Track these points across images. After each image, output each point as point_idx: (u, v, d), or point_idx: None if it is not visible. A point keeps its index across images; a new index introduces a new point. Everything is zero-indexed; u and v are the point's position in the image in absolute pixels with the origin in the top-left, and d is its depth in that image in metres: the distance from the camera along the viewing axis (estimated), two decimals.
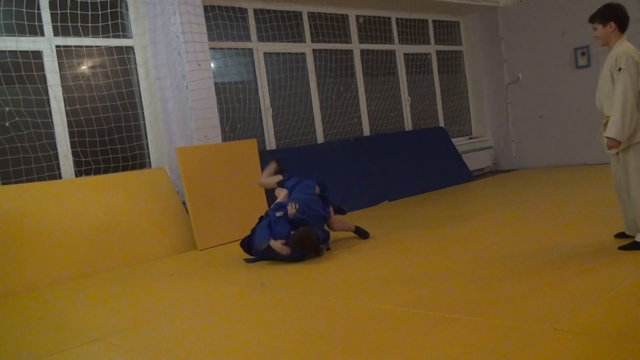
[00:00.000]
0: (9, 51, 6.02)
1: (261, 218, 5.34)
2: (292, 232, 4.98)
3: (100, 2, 6.62)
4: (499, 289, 3.56)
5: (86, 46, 6.62)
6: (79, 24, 6.49)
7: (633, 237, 4.15)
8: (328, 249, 5.33)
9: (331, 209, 5.67)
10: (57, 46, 6.36)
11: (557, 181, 8.41)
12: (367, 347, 2.84)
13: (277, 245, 4.94)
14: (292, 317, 3.54)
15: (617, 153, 4.10)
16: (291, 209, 5.09)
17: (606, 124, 4.02)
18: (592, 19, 4.21)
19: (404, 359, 2.64)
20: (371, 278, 4.21)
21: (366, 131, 9.46)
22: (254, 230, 5.22)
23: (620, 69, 3.93)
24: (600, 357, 2.40)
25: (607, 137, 3.97)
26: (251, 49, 8.01)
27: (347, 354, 2.79)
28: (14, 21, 6.05)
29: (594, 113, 9.60)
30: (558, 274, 3.72)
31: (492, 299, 3.37)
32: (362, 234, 5.79)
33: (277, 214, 5.15)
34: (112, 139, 6.74)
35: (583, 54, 9.71)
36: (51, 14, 6.29)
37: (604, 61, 10.32)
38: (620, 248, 4.10)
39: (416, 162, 9.34)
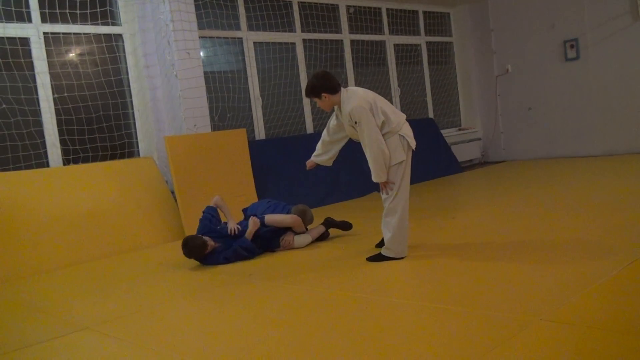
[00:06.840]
0: None
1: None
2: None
3: None
4: (485, 279, 3.59)
5: (74, 33, 6.56)
6: (67, 11, 6.42)
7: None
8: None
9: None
10: (44, 33, 6.29)
11: (545, 173, 8.46)
12: (354, 336, 2.85)
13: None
14: (280, 307, 3.55)
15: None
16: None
17: None
18: (308, 95, 4.35)
19: (391, 349, 2.66)
20: (357, 268, 4.23)
21: None
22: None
23: (356, 122, 4.12)
24: (585, 348, 2.43)
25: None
26: (241, 38, 7.97)
27: (335, 342, 2.80)
28: (0, 7, 5.98)
29: (582, 105, 9.72)
30: (544, 265, 3.76)
31: (478, 289, 3.40)
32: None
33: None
34: (101, 128, 6.70)
35: (572, 46, 9.75)
36: (39, 0, 6.23)
37: (593, 54, 10.31)
38: (367, 259, 4.35)
39: None
